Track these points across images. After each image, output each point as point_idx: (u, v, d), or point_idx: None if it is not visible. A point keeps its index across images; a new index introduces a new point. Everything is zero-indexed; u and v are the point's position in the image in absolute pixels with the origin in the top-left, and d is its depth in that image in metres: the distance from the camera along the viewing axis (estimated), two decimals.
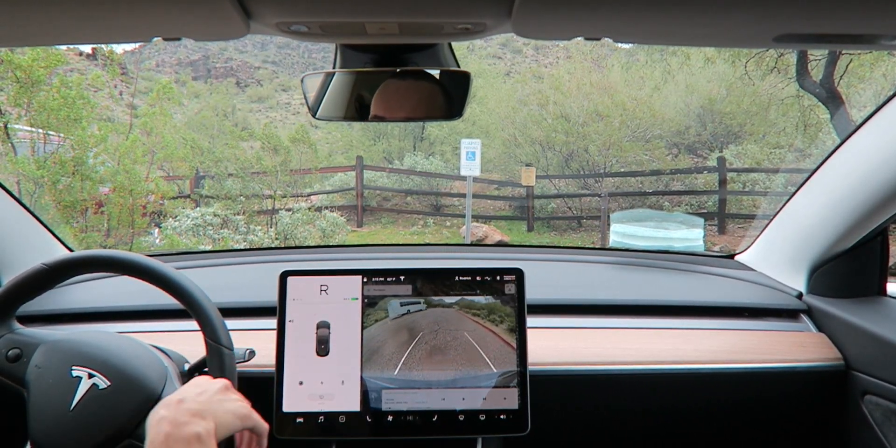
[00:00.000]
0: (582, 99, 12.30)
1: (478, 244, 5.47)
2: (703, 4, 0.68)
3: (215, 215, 6.05)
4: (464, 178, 9.86)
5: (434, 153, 13.81)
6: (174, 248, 5.43)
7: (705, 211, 10.85)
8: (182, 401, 0.93)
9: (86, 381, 1.03)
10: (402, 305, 1.30)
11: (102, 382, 1.03)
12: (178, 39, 0.82)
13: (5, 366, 1.10)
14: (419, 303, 1.30)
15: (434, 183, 12.34)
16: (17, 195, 1.62)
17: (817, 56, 8.24)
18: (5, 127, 3.69)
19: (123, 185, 3.93)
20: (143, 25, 0.77)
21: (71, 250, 1.74)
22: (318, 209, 7.69)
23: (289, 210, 7.20)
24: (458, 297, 1.31)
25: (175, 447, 0.88)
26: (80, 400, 1.02)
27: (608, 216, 9.74)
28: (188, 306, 1.11)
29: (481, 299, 1.31)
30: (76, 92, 3.96)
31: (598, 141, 11.69)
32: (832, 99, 7.73)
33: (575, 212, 11.60)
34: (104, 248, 4.49)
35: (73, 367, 1.05)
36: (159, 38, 0.82)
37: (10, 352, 1.09)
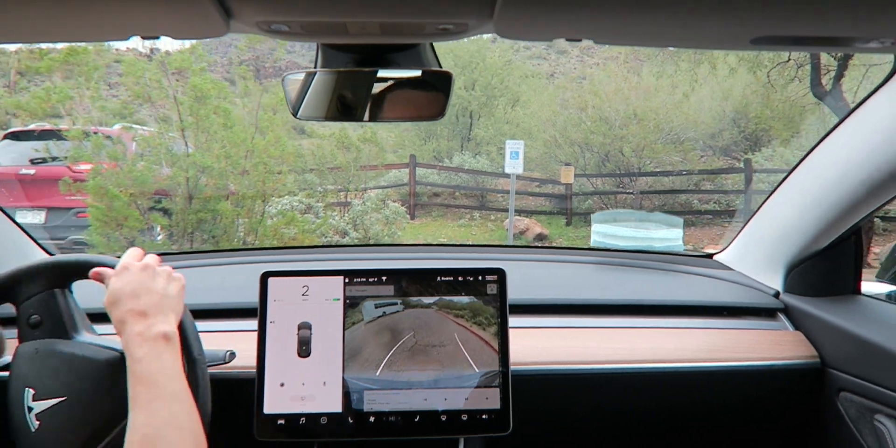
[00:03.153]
0: (618, 103, 13.11)
1: (460, 244, 5.62)
2: (681, 7, 0.69)
3: (300, 202, 7.21)
4: (508, 176, 10.64)
5: (481, 153, 14.73)
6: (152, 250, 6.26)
7: (733, 209, 11.70)
8: (143, 311, 0.98)
9: (25, 410, 1.04)
10: (377, 307, 1.29)
11: (55, 401, 1.04)
12: (157, 38, 0.81)
13: (21, 323, 1.13)
14: (396, 304, 1.29)
15: (480, 180, 13.28)
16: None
17: (831, 68, 9.08)
18: (182, 131, 4.86)
19: (258, 178, 5.11)
20: (120, 23, 0.76)
21: (50, 254, 1.70)
22: (382, 200, 8.89)
23: (359, 200, 8.43)
24: (438, 298, 1.30)
25: (145, 345, 0.93)
26: (38, 424, 1.03)
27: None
28: (63, 275, 1.12)
29: (463, 299, 1.30)
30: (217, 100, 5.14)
31: (632, 143, 12.49)
32: (842, 108, 8.61)
33: (610, 208, 12.51)
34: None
35: (27, 389, 1.06)
36: (137, 37, 0.80)
37: (32, 317, 1.12)
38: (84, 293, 1.46)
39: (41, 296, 1.11)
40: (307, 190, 7.68)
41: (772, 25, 0.74)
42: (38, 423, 1.02)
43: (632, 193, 11.83)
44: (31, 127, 7.59)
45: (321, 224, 6.07)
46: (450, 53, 15.73)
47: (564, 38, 0.79)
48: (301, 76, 1.11)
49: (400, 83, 1.10)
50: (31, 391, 1.05)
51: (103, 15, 0.73)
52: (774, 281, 1.68)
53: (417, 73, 1.08)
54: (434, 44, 1.04)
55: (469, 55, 15.79)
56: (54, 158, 6.35)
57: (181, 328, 1.04)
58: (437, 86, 1.09)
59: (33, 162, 6.59)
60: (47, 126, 7.19)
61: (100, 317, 1.26)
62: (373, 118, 1.14)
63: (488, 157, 14.51)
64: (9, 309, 1.26)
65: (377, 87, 1.10)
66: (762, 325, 1.58)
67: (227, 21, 0.72)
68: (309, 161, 7.97)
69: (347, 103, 1.13)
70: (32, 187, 6.45)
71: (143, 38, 0.80)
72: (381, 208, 8.48)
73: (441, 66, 1.07)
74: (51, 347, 1.08)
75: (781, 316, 1.61)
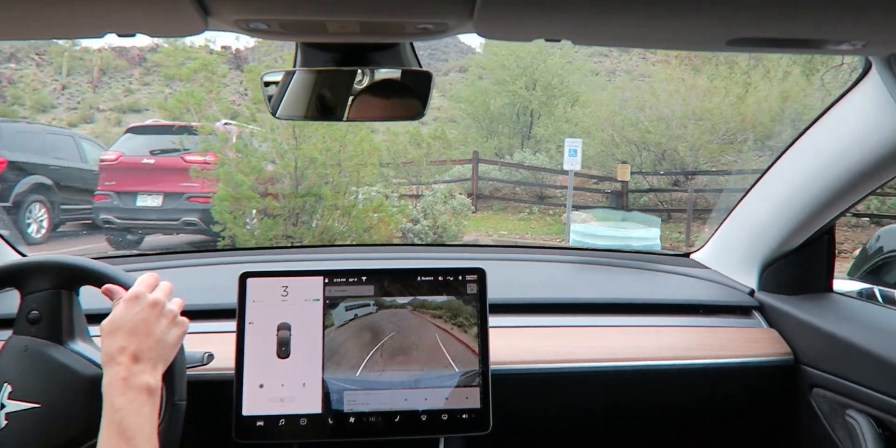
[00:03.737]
0: (676, 104, 13.52)
1: (441, 244, 5.90)
2: (658, 9, 0.69)
3: (378, 192, 8.03)
4: (566, 173, 11.32)
5: (540, 150, 15.26)
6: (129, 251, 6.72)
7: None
8: (135, 354, 0.94)
9: (8, 406, 1.02)
10: (347, 310, 1.28)
11: (29, 405, 1.02)
12: (133, 35, 0.80)
13: (21, 315, 1.10)
14: (369, 305, 1.28)
15: (539, 176, 13.82)
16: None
17: None
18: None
19: (353, 169, 6.05)
20: (97, 21, 0.76)
21: (23, 255, 1.69)
22: (450, 192, 9.69)
23: (429, 192, 9.25)
24: (417, 298, 1.29)
25: (128, 393, 0.90)
26: (6, 423, 1.01)
27: (693, 210, 11.09)
28: (75, 278, 1.10)
29: (443, 299, 1.29)
30: None
31: (689, 142, 12.93)
32: None
33: (665, 205, 12.94)
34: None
35: (5, 384, 1.04)
36: (113, 34, 0.80)
37: (32, 313, 1.09)
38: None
39: (47, 293, 1.08)
40: (383, 182, 8.52)
41: (746, 27, 0.75)
42: (5, 422, 1.00)
43: (686, 191, 12.23)
44: (148, 122, 8.70)
45: (401, 210, 6.91)
46: (512, 55, 16.37)
47: (544, 38, 0.80)
48: (280, 76, 1.11)
49: (380, 83, 1.09)
50: (9, 388, 1.03)
51: (79, 12, 0.72)
52: (749, 279, 1.70)
53: (397, 72, 1.08)
54: (413, 44, 1.04)
55: (530, 56, 16.41)
56: (171, 150, 7.40)
57: (170, 371, 1.01)
58: (416, 85, 1.09)
59: (152, 153, 7.64)
60: (162, 122, 8.27)
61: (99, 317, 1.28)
62: (352, 118, 1.14)
63: (547, 154, 15.04)
64: (7, 308, 1.28)
65: (357, 87, 1.10)
66: (737, 322, 1.61)
67: (204, 19, 0.72)
68: (385, 156, 8.80)
69: (327, 103, 1.12)
70: (152, 175, 7.48)
71: (120, 35, 0.80)
72: (448, 200, 9.28)
73: (421, 66, 1.07)
74: (41, 349, 1.05)
75: (756, 314, 1.64)
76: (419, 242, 8.40)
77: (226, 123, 6.87)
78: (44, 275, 1.10)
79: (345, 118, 1.15)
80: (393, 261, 1.96)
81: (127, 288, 1.04)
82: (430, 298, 1.30)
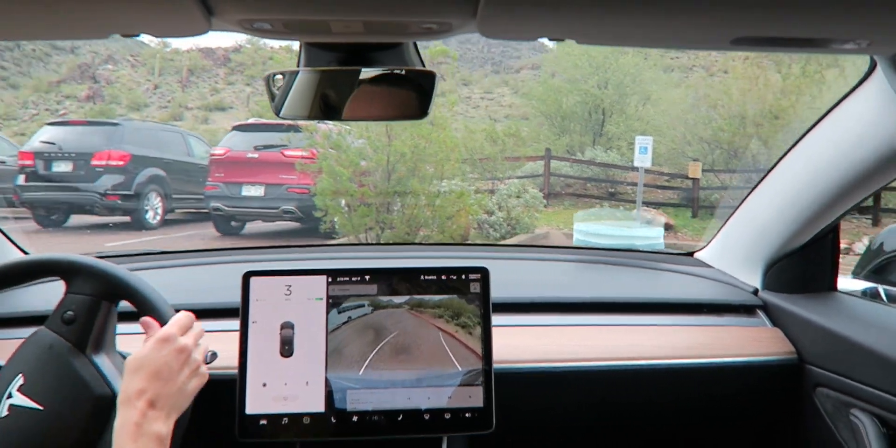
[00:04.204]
0: (750, 102, 13.53)
1: (444, 243, 5.94)
2: (662, 7, 0.69)
3: (457, 185, 8.63)
4: (636, 169, 11.60)
5: (612, 148, 15.54)
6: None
7: (865, 205, 11.93)
8: (152, 400, 0.94)
9: (15, 397, 1.03)
10: (340, 313, 1.28)
11: (33, 404, 1.02)
12: (137, 35, 0.81)
13: None
14: (363, 305, 1.28)
15: (610, 173, 14.08)
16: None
17: None
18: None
19: (438, 164, 6.82)
20: (101, 21, 0.76)
21: (25, 253, 1.71)
22: (523, 187, 10.23)
23: (504, 186, 9.83)
24: (420, 297, 1.29)
25: (140, 440, 0.91)
26: (7, 414, 1.02)
27: None
28: (121, 293, 1.10)
29: (446, 298, 1.30)
30: None
31: (762, 140, 12.95)
32: None
33: (737, 203, 13.00)
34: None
35: (19, 374, 1.05)
36: (117, 35, 0.80)
37: None
38: (40, 294, 1.50)
39: (89, 298, 1.09)
40: (461, 176, 9.14)
41: (751, 26, 0.74)
42: (7, 412, 1.02)
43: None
44: (250, 121, 9.63)
45: (479, 201, 7.55)
46: (584, 54, 16.65)
47: (547, 37, 0.80)
48: (284, 75, 1.11)
49: (383, 82, 1.09)
50: (21, 380, 1.04)
51: (84, 13, 0.73)
52: (753, 278, 1.70)
53: (401, 72, 1.08)
54: (417, 43, 1.04)
55: (602, 56, 16.63)
56: (272, 146, 8.26)
57: (178, 421, 1.01)
58: (420, 85, 1.09)
59: (256, 148, 8.51)
60: (263, 120, 9.17)
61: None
62: (355, 117, 1.15)
63: (619, 151, 15.23)
64: (45, 304, 1.30)
65: (360, 86, 1.10)
66: (741, 321, 1.61)
67: (208, 19, 0.72)
68: (463, 152, 9.42)
69: (330, 102, 1.12)
70: (255, 168, 8.35)
71: (124, 35, 0.79)
72: (521, 194, 9.83)
73: (424, 65, 1.07)
74: (63, 352, 1.06)
75: (760, 313, 1.64)
76: (494, 232, 8.97)
77: (324, 121, 7.65)
78: (93, 279, 1.10)
79: (348, 118, 1.16)
80: (396, 260, 1.97)
81: (163, 322, 1.06)
82: (427, 297, 1.30)
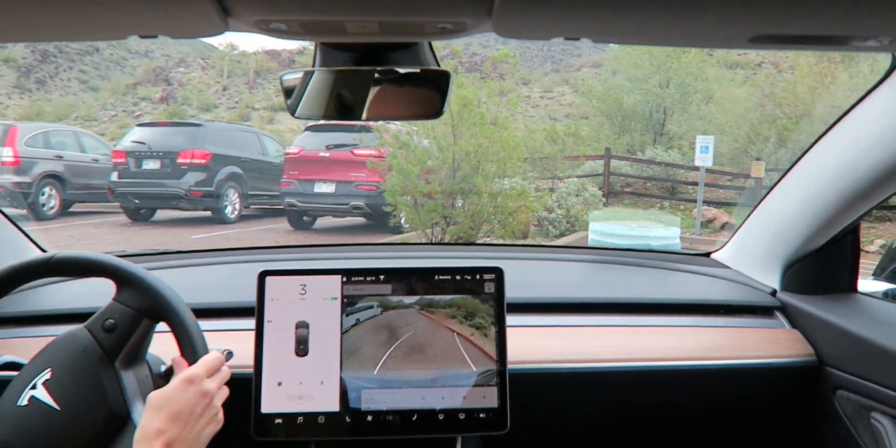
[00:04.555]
0: (818, 100, 13.32)
1: (459, 243, 6.03)
2: (679, 5, 0.68)
3: (518, 183, 8.90)
4: (697, 169, 11.59)
5: (672, 147, 15.51)
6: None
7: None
8: (169, 443, 0.94)
9: (38, 390, 1.03)
10: (348, 315, 1.28)
11: (51, 402, 1.03)
12: (155, 37, 0.82)
13: None
14: (372, 307, 1.29)
15: (671, 172, 14.08)
16: None
17: None
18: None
19: (500, 163, 7.24)
20: (118, 23, 0.77)
21: (44, 251, 1.72)
22: (582, 185, 10.44)
23: (563, 184, 10.08)
24: (419, 297, 1.29)
25: None
26: (26, 404, 1.03)
27: None
28: (165, 316, 1.09)
29: (461, 298, 1.30)
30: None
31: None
32: None
33: None
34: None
35: (47, 368, 1.06)
36: (136, 36, 0.81)
37: None
38: (57, 294, 1.60)
39: (132, 312, 1.09)
40: (522, 174, 9.44)
41: (770, 24, 0.74)
42: (27, 402, 1.02)
43: None
44: (322, 122, 10.17)
45: (539, 198, 7.86)
46: (645, 53, 16.63)
47: (563, 37, 0.80)
48: (299, 75, 1.12)
49: (398, 82, 1.10)
50: (49, 374, 1.04)
51: (101, 14, 0.73)
52: (771, 279, 1.68)
53: (416, 71, 1.08)
54: (432, 43, 1.04)
55: (664, 54, 16.55)
56: (343, 145, 8.76)
57: None
58: (435, 84, 1.10)
59: (328, 147, 9.02)
60: (333, 121, 9.67)
61: (73, 318, 1.33)
62: (371, 117, 1.15)
63: (680, 151, 15.15)
64: (74, 302, 1.36)
65: (375, 86, 1.10)
66: (759, 323, 1.59)
67: (225, 20, 0.73)
68: (523, 151, 9.72)
69: (345, 102, 1.12)
70: (327, 166, 8.86)
71: (141, 37, 0.81)
72: (580, 192, 10.05)
73: (439, 65, 1.08)
74: (94, 359, 1.06)
75: (778, 314, 1.62)
76: (553, 229, 9.20)
77: (389, 122, 8.09)
78: (143, 295, 1.09)
79: (363, 118, 1.16)
80: (411, 260, 1.98)
81: (193, 358, 1.06)
82: (438, 297, 1.30)
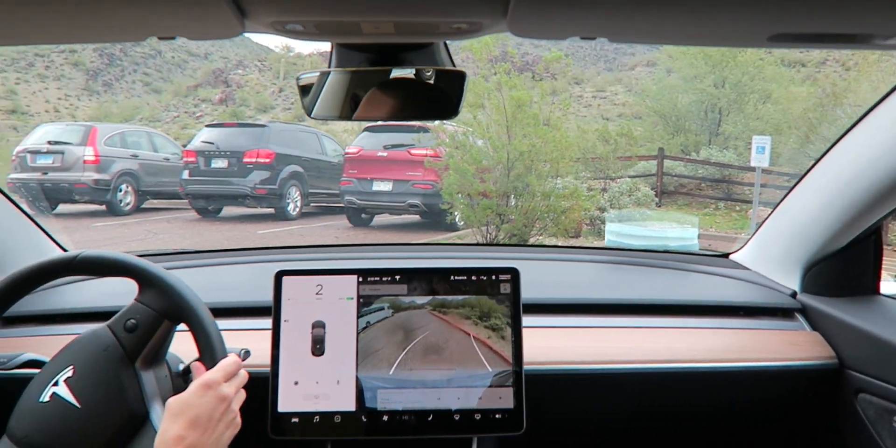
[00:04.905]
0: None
1: (474, 244, 5.99)
2: (697, 4, 0.68)
3: (570, 183, 9.06)
4: (753, 169, 11.53)
5: (728, 147, 15.30)
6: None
7: None
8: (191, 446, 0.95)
9: (60, 387, 1.05)
10: (361, 317, 1.29)
11: (72, 400, 1.04)
12: (173, 38, 0.82)
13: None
14: (383, 308, 1.29)
15: (726, 173, 13.92)
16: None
17: None
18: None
19: (553, 162, 7.51)
20: (137, 25, 0.78)
21: (65, 251, 1.72)
22: (635, 185, 10.51)
23: (616, 184, 10.18)
24: (430, 297, 1.30)
25: None
26: (48, 400, 1.04)
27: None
28: (185, 318, 1.10)
29: (476, 299, 1.30)
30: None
31: None
32: None
33: None
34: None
35: (70, 366, 1.08)
36: (154, 38, 0.82)
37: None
38: (76, 293, 1.61)
39: (154, 313, 1.10)
40: (574, 174, 9.60)
41: (789, 23, 0.73)
42: (49, 399, 1.04)
43: None
44: (380, 123, 10.53)
45: (592, 197, 8.04)
46: (700, 52, 16.48)
47: (579, 36, 0.79)
48: (315, 76, 1.12)
49: (414, 82, 1.10)
50: (71, 371, 1.06)
51: (121, 16, 0.74)
52: (791, 281, 1.66)
53: (431, 71, 1.08)
54: (447, 43, 1.04)
55: (720, 53, 16.37)
56: (400, 145, 9.10)
57: None
58: (450, 84, 1.10)
59: (385, 147, 9.36)
60: (390, 122, 10.03)
61: (92, 317, 1.39)
62: (386, 117, 1.17)
63: (736, 151, 14.97)
64: (96, 301, 1.38)
65: (391, 86, 1.11)
66: (779, 325, 1.57)
67: (241, 21, 0.73)
68: (576, 151, 9.88)
69: (361, 102, 1.12)
70: (385, 165, 9.20)
71: (160, 38, 0.82)
72: (633, 192, 10.13)
73: (454, 65, 1.08)
74: (115, 359, 1.08)
75: (798, 316, 1.60)
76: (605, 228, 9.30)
77: (444, 123, 8.38)
78: (165, 297, 1.10)
79: (379, 118, 1.18)
80: (426, 260, 1.98)
81: (211, 360, 1.08)
82: (450, 297, 1.30)
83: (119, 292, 1.27)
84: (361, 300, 1.30)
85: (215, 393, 1.01)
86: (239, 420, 1.06)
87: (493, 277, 1.32)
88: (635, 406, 1.50)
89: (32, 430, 1.04)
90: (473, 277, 1.32)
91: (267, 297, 1.30)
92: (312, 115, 1.17)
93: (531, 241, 7.77)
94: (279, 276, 1.31)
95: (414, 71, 1.10)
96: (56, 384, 1.06)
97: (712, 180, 13.90)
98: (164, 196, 11.49)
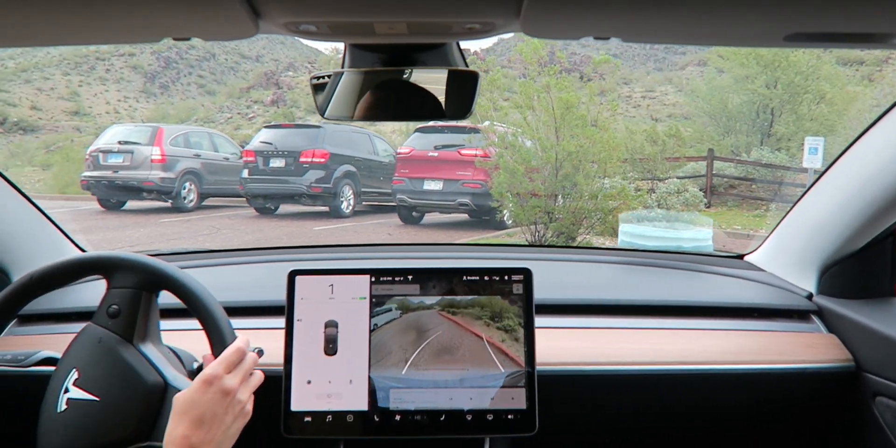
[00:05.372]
0: None
1: (486, 244, 5.94)
2: (712, 3, 0.67)
3: (617, 183, 9.16)
4: (806, 171, 11.51)
5: (780, 148, 15.15)
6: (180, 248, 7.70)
7: None
8: (196, 446, 0.95)
9: (72, 391, 1.06)
10: (372, 317, 1.29)
11: (89, 396, 1.05)
12: (188, 39, 0.83)
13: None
14: (391, 310, 1.29)
15: (778, 174, 13.76)
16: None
17: None
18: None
19: (601, 163, 7.70)
20: (152, 26, 0.79)
21: (83, 251, 1.74)
22: (684, 186, 10.55)
23: (664, 185, 10.25)
24: (439, 297, 1.30)
25: None
26: (66, 408, 1.04)
27: None
28: (194, 311, 1.11)
29: (488, 299, 1.30)
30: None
31: None
32: None
33: None
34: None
35: (73, 369, 1.08)
36: (170, 39, 0.82)
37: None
38: (92, 291, 1.56)
39: (130, 291, 1.11)
40: (621, 174, 9.71)
41: (806, 22, 0.72)
42: (66, 406, 1.05)
43: None
44: (431, 124, 10.82)
45: (639, 196, 8.17)
46: (751, 53, 16.29)
47: (592, 36, 0.79)
48: (329, 76, 1.13)
49: (426, 82, 1.10)
50: (76, 374, 1.07)
51: (136, 18, 0.75)
52: (807, 282, 1.65)
53: (444, 72, 1.08)
54: (460, 43, 1.03)
55: (772, 53, 16.15)
56: (450, 145, 9.37)
57: None
58: (463, 85, 1.10)
59: (436, 147, 9.65)
60: (440, 123, 10.33)
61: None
62: (399, 117, 1.17)
63: (788, 152, 14.80)
64: (89, 301, 1.35)
65: (404, 87, 1.12)
66: (794, 327, 1.56)
67: (256, 22, 0.74)
68: (623, 152, 10.00)
69: (374, 103, 1.13)
70: (435, 165, 9.49)
71: (175, 39, 0.83)
72: (681, 192, 10.18)
73: (467, 65, 1.08)
74: (112, 344, 1.09)
75: (815, 318, 1.58)
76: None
77: (495, 124, 8.62)
78: (132, 272, 1.12)
79: (392, 118, 1.18)
80: (439, 260, 1.98)
81: (206, 310, 1.10)
82: (459, 298, 1.31)
83: None
84: (374, 300, 1.31)
85: (217, 387, 1.00)
86: (249, 408, 1.05)
87: (506, 278, 1.32)
88: (649, 408, 1.49)
89: (63, 439, 1.05)
90: (486, 277, 1.32)
91: (279, 296, 1.31)
92: (325, 115, 1.18)
93: (578, 239, 7.94)
94: (292, 275, 1.31)
95: (426, 71, 1.11)
96: (67, 391, 1.07)
97: (762, 181, 13.76)
98: (224, 194, 12.02)
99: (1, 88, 41.15)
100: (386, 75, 1.12)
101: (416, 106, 1.16)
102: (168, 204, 11.31)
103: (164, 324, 1.22)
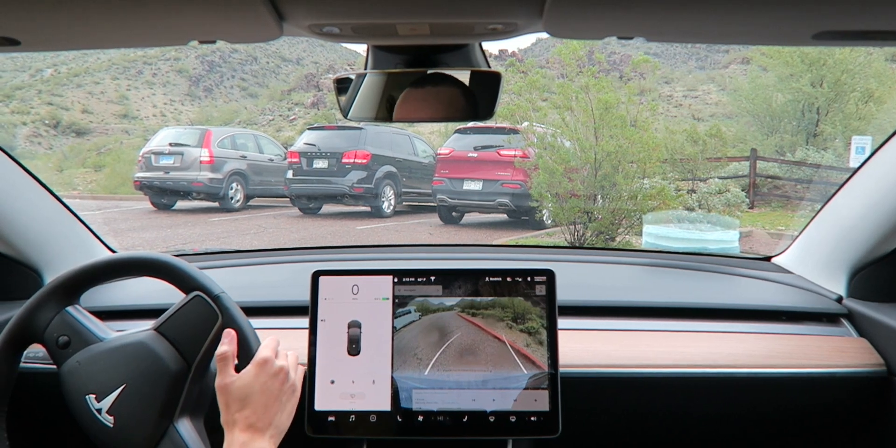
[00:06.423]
0: None
1: (510, 245, 5.84)
2: (738, 1, 0.66)
3: (657, 183, 9.15)
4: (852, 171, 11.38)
5: (826, 148, 14.89)
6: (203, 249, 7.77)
7: None
8: (259, 427, 1.00)
9: (94, 413, 1.06)
10: (395, 317, 1.30)
11: (108, 420, 1.05)
12: (213, 42, 0.84)
13: (52, 349, 1.11)
14: (410, 312, 1.30)
15: (823, 174, 13.49)
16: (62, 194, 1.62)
17: None
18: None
19: (640, 164, 7.73)
20: (179, 29, 0.80)
21: (113, 251, 1.76)
22: (725, 186, 10.47)
23: (705, 185, 10.19)
24: (459, 299, 1.30)
25: None
26: (114, 420, 1.05)
27: None
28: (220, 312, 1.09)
29: (511, 300, 1.30)
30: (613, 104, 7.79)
31: None
32: None
33: None
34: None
35: (87, 396, 1.07)
36: (195, 42, 0.84)
37: (60, 338, 1.10)
38: (122, 290, 1.62)
39: (57, 318, 1.11)
40: (661, 174, 9.70)
41: (836, 20, 0.70)
42: (111, 417, 1.05)
43: None
44: (470, 125, 10.96)
45: (679, 196, 8.18)
46: (796, 51, 16.02)
47: (616, 36, 0.79)
48: (352, 77, 1.14)
49: (449, 83, 1.11)
50: (92, 396, 1.07)
51: (164, 21, 0.76)
52: (837, 285, 1.62)
53: (466, 73, 1.09)
54: (483, 44, 1.03)
55: (817, 51, 15.86)
56: (489, 146, 9.49)
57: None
58: (485, 85, 1.11)
59: (475, 148, 9.78)
60: (480, 124, 10.45)
61: (143, 314, 1.42)
62: (422, 118, 1.16)
63: (835, 152, 14.55)
64: (144, 299, 1.39)
65: (427, 87, 1.11)
66: (824, 330, 1.53)
67: (280, 24, 0.75)
68: (663, 152, 9.98)
69: (397, 104, 1.13)
70: (474, 165, 9.62)
71: (201, 42, 0.84)
72: (723, 192, 10.10)
73: (490, 66, 1.08)
74: (90, 353, 1.09)
75: (845, 322, 1.56)
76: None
77: (534, 125, 8.72)
78: (44, 306, 1.11)
79: (414, 119, 1.17)
80: (462, 261, 1.97)
81: (245, 351, 1.06)
82: (478, 299, 1.31)
83: (160, 289, 1.26)
84: (397, 300, 1.31)
85: (270, 369, 1.04)
86: (299, 386, 1.10)
87: (529, 279, 1.32)
88: (673, 411, 1.47)
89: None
90: (508, 278, 1.32)
91: (303, 296, 1.32)
92: (349, 117, 1.19)
93: (618, 239, 7.99)
94: (316, 276, 1.32)
95: (449, 72, 1.11)
96: (100, 411, 1.08)
97: (807, 182, 13.56)
98: (269, 194, 12.35)
99: (55, 93, 42.72)
100: (409, 77, 1.12)
101: (439, 107, 1.16)
102: (216, 204, 11.69)
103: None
